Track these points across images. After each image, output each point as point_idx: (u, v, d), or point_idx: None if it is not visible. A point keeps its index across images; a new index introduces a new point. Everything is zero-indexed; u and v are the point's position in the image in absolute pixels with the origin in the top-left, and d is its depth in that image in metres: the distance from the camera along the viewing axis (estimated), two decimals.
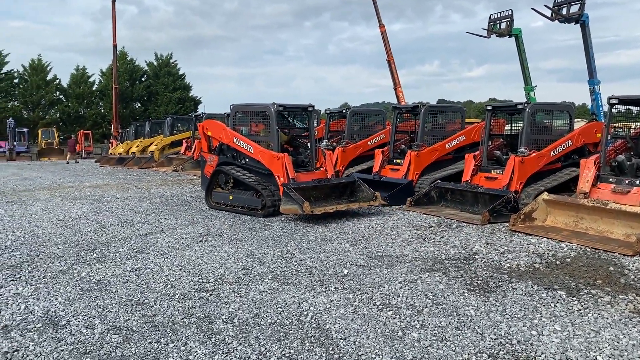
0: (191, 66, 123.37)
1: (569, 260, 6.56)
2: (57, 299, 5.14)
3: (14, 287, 5.50)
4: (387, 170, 12.67)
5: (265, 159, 10.03)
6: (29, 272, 6.06)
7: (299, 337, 4.21)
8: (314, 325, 4.46)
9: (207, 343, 4.11)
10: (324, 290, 5.37)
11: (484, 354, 3.90)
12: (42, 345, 4.08)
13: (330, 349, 4.01)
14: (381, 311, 4.78)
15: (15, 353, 3.94)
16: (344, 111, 16.68)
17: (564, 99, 11.25)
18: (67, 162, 28.25)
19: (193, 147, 20.94)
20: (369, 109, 19.29)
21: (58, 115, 45.45)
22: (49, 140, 36.77)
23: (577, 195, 8.49)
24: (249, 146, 10.28)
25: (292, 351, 3.97)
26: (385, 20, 27.26)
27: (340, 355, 3.90)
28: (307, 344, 4.09)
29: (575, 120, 11.67)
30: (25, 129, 37.48)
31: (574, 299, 5.10)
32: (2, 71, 43.31)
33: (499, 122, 12.09)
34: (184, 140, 23.18)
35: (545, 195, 8.56)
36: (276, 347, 4.04)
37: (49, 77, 44.83)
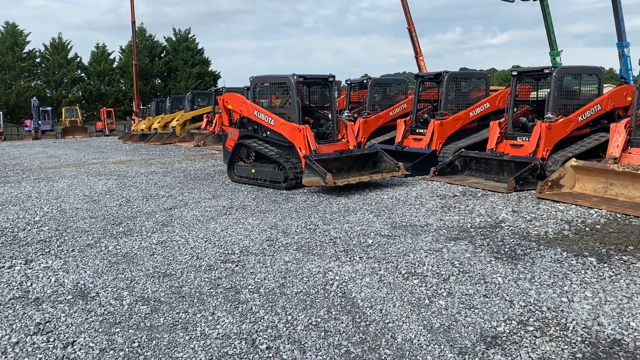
0: (210, 41, 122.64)
1: (598, 226, 6.41)
2: (85, 271, 5.22)
3: (44, 261, 5.60)
4: (410, 140, 12.50)
5: (286, 131, 9.96)
6: (58, 246, 6.17)
7: (325, 306, 4.21)
8: (340, 294, 4.45)
9: (235, 312, 4.14)
10: (348, 260, 5.35)
11: (513, 321, 3.84)
12: (72, 316, 4.15)
13: (357, 317, 4.00)
14: (407, 280, 4.75)
15: (47, 324, 4.02)
16: (364, 81, 16.43)
17: (592, 64, 10.90)
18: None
19: (214, 121, 20.97)
20: (390, 79, 18.99)
21: (80, 94, 45.96)
22: (73, 118, 37.27)
23: (606, 160, 8.27)
24: (270, 119, 10.22)
25: (318, 319, 3.97)
26: None
27: (367, 323, 3.89)
28: (334, 313, 4.08)
29: (604, 85, 11.30)
30: (49, 108, 37.97)
31: (605, 265, 4.99)
32: (24, 51, 43.76)
33: (524, 88, 11.78)
34: (204, 115, 23.20)
35: (573, 162, 8.35)
36: (303, 315, 4.04)
37: (70, 55, 45.16)
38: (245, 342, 3.65)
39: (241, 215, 7.57)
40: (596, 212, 7.12)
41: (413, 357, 3.40)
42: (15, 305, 4.42)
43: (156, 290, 4.66)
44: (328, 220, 7.11)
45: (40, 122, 34.77)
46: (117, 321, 4.04)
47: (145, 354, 3.54)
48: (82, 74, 46.39)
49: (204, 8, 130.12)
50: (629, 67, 19.31)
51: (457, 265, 5.10)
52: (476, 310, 4.05)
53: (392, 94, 16.10)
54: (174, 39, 48.66)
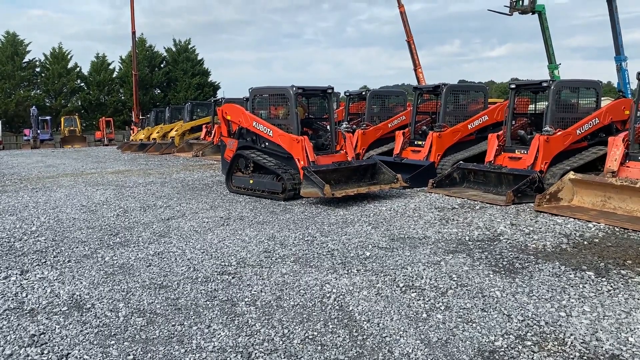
0: (209, 51, 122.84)
1: (597, 240, 6.40)
2: (81, 282, 5.19)
3: (40, 272, 5.57)
4: (408, 152, 12.51)
5: (285, 142, 9.97)
6: (54, 257, 6.13)
7: (322, 319, 4.18)
8: (337, 307, 4.42)
9: (231, 325, 4.11)
10: (346, 272, 5.33)
11: (511, 336, 3.82)
12: (67, 328, 4.12)
13: (354, 330, 3.97)
14: (405, 293, 4.72)
15: (42, 336, 3.98)
16: (363, 93, 16.48)
17: (590, 77, 10.97)
18: None
19: (213, 132, 20.99)
20: (388, 90, 19.08)
21: (80, 103, 46.03)
22: (72, 128, 37.22)
23: (604, 174, 8.28)
24: (269, 129, 10.23)
25: (315, 333, 3.94)
26: (404, 0, 26.69)
27: (364, 337, 3.86)
28: (331, 326, 4.05)
29: (602, 98, 11.35)
30: (48, 117, 37.97)
31: (603, 279, 4.98)
32: (24, 60, 43.87)
33: (522, 100, 11.81)
34: (203, 126, 23.21)
35: (571, 175, 8.35)
36: (299, 329, 4.01)
37: (70, 65, 45.28)
38: (241, 356, 3.61)
39: (239, 226, 7.55)
40: (594, 225, 7.11)
41: None
42: (9, 316, 4.38)
43: (152, 302, 4.63)
44: (326, 232, 7.09)
45: (39, 131, 34.76)
46: (112, 333, 4.01)
47: None
48: (82, 84, 46.48)
49: (204, 19, 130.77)
50: (627, 81, 19.39)
51: (455, 278, 5.07)
52: (474, 325, 4.02)
53: (390, 105, 16.14)
54: (173, 49, 48.84)
